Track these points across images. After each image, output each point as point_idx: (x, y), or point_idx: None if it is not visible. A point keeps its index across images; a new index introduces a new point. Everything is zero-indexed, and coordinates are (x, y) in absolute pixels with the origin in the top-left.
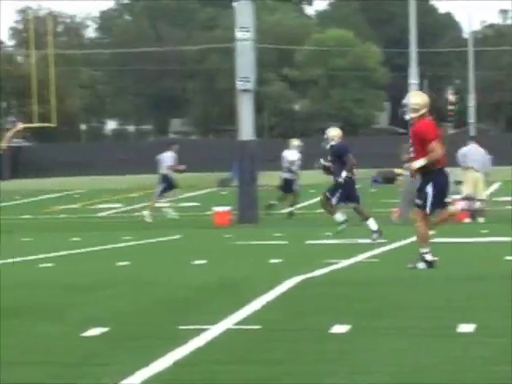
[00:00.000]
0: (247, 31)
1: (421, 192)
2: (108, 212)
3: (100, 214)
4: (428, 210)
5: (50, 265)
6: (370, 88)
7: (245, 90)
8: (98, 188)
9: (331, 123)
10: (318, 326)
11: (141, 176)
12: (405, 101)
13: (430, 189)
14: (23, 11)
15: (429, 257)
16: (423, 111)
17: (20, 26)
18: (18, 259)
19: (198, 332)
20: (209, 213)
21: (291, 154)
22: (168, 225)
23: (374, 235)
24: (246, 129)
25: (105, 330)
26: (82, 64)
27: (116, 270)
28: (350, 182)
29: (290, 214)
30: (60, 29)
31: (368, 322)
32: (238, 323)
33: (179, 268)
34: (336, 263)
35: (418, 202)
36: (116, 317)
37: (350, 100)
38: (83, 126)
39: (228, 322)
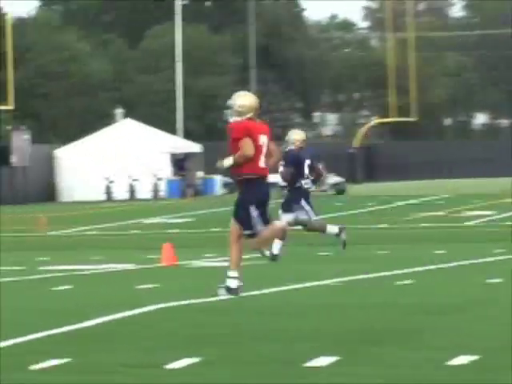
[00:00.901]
0: None
1: (239, 206)
2: (477, 220)
3: (467, 223)
4: (247, 226)
5: (408, 282)
6: None
7: None
8: (465, 192)
9: None
10: None
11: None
12: (230, 101)
13: (247, 202)
14: None
15: (235, 283)
16: (249, 115)
17: (375, 6)
18: (370, 276)
19: None
20: None
21: None
22: None
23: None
24: None
25: (474, 358)
26: (447, 48)
27: (486, 289)
28: (297, 192)
29: None
30: (421, 7)
31: None
32: None
33: None
34: None
35: (238, 218)
36: (486, 343)
37: None
38: (448, 121)
39: None
